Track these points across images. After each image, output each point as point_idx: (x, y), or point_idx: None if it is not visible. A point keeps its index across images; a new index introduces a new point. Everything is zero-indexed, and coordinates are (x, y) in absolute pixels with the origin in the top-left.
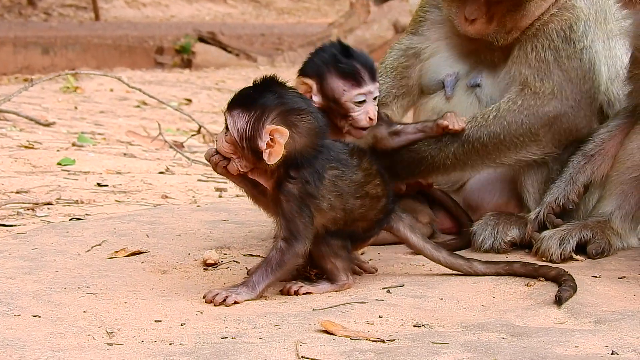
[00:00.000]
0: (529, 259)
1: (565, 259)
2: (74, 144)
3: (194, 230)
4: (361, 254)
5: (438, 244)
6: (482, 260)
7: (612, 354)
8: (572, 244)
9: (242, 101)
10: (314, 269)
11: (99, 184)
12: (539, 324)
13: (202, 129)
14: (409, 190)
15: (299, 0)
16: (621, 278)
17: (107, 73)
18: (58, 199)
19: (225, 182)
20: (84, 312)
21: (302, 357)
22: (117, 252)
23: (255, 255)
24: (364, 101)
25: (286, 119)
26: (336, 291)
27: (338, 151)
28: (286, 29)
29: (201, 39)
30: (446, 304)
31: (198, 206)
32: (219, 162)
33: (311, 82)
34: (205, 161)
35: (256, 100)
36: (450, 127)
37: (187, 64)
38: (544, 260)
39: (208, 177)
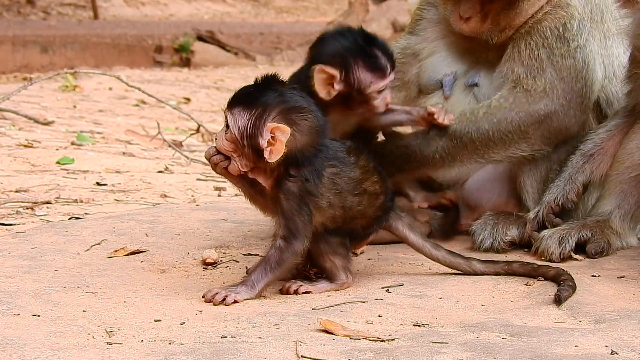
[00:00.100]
0: (528, 259)
1: (565, 258)
2: (73, 143)
3: (193, 229)
4: (360, 253)
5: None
6: (482, 259)
7: (611, 353)
8: (571, 243)
9: (243, 99)
10: (313, 268)
11: (98, 183)
12: (538, 323)
13: (201, 128)
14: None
15: None
16: (620, 277)
17: (106, 72)
18: (57, 198)
19: (224, 182)
20: (84, 311)
21: (302, 356)
22: (116, 251)
23: (255, 255)
24: (384, 89)
25: (287, 117)
26: (335, 290)
27: (336, 149)
28: (285, 28)
29: (200, 38)
30: (445, 303)
31: (197, 205)
32: (218, 162)
33: (334, 72)
34: (205, 160)
35: (257, 98)
36: (436, 116)
37: (186, 63)
38: (543, 260)
39: (207, 176)
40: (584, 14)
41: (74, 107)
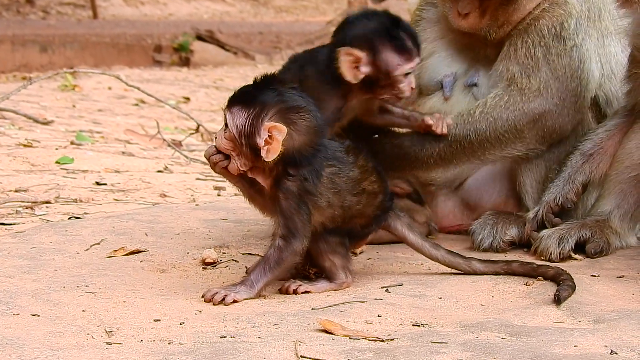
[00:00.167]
0: (528, 258)
1: (564, 258)
2: (72, 143)
3: (193, 229)
4: (360, 252)
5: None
6: (481, 259)
7: (611, 353)
8: (570, 243)
9: (242, 98)
10: (313, 268)
11: (97, 183)
12: (537, 323)
13: (200, 127)
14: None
15: None
16: (620, 277)
17: (105, 71)
18: (57, 197)
19: (224, 181)
20: (83, 311)
21: (301, 356)
22: (115, 251)
23: (254, 254)
24: (409, 73)
25: (285, 116)
26: (335, 290)
27: (334, 149)
28: (284, 27)
29: (199, 38)
30: (445, 303)
31: (197, 205)
32: (218, 162)
33: (361, 54)
34: (204, 160)
35: (256, 97)
36: (434, 128)
37: (185, 62)
38: (542, 260)
39: (206, 176)
40: (582, 12)
41: (74, 106)
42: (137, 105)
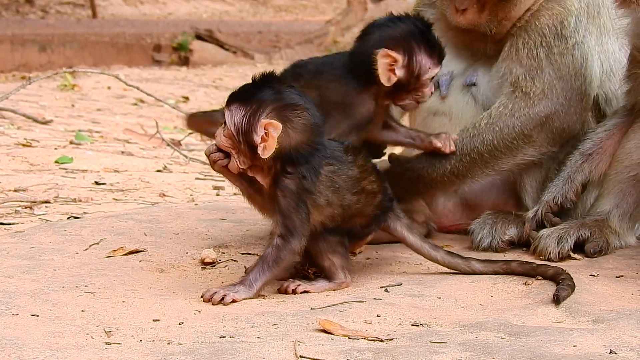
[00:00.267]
0: (527, 258)
1: (563, 257)
2: (71, 142)
3: (192, 228)
4: (359, 252)
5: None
6: (480, 259)
7: (610, 353)
8: (570, 242)
9: (240, 96)
10: (312, 267)
11: (96, 182)
12: (537, 323)
13: None
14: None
15: None
16: (619, 277)
17: (104, 71)
18: (56, 197)
19: (223, 181)
20: (82, 311)
21: (301, 356)
22: (115, 250)
23: (254, 254)
24: (434, 77)
25: (281, 113)
26: (334, 290)
27: (333, 149)
28: (283, 26)
29: (198, 37)
30: (444, 303)
31: (196, 204)
32: (217, 160)
33: (398, 56)
34: (204, 159)
35: (254, 95)
36: (443, 149)
37: (185, 62)
38: (541, 259)
39: (206, 175)
40: (581, 8)
41: (73, 106)
42: (136, 104)
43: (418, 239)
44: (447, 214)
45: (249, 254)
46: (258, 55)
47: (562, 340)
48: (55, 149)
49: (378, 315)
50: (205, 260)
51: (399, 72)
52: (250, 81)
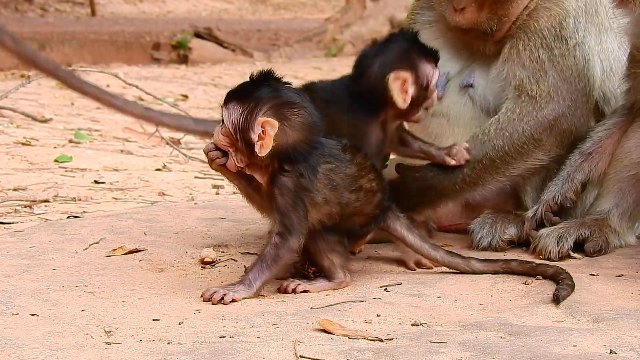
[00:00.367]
0: (527, 257)
1: (563, 257)
2: (70, 141)
3: (191, 228)
4: (358, 252)
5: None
6: (480, 258)
7: (610, 353)
8: (569, 242)
9: (238, 94)
10: (311, 267)
11: (96, 181)
12: (536, 322)
13: None
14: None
15: None
16: (619, 276)
17: (103, 69)
18: (55, 196)
19: (223, 180)
20: (82, 310)
21: (300, 356)
22: (114, 250)
23: (253, 253)
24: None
25: (278, 111)
26: (334, 289)
27: (331, 147)
28: (282, 24)
29: (197, 35)
30: (444, 302)
31: (195, 204)
32: (215, 158)
33: (406, 75)
34: (202, 157)
35: (251, 93)
36: (458, 164)
37: (184, 60)
38: (541, 259)
39: (205, 174)
40: (579, 8)
41: (72, 104)
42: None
43: (418, 239)
44: (447, 214)
45: (249, 253)
46: (257, 54)
47: (562, 340)
48: (55, 147)
49: (378, 315)
50: (205, 260)
51: (411, 90)
52: (248, 79)
